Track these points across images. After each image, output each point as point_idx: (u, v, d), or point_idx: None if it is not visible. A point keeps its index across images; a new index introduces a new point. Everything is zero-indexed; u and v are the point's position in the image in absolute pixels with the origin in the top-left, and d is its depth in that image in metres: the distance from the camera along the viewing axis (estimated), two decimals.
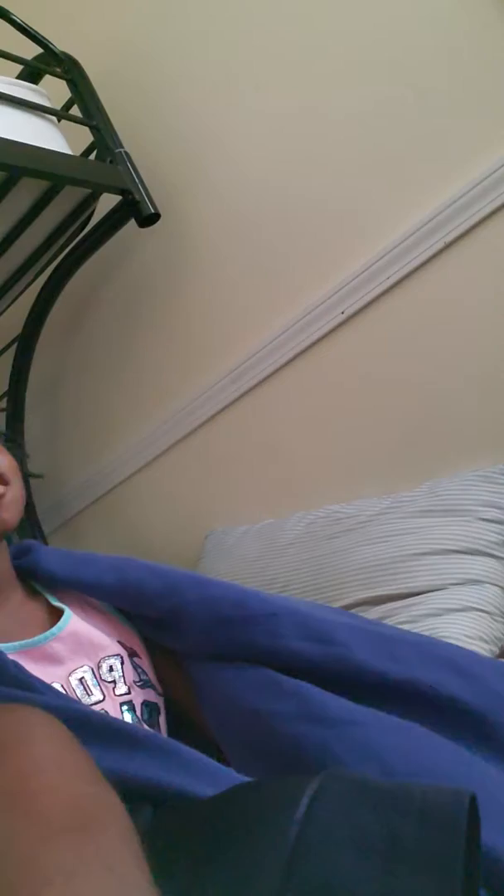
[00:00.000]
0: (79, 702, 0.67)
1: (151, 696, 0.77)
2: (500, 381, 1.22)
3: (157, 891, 0.34)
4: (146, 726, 0.73)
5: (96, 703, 0.71)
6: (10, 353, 1.53)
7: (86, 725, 0.55)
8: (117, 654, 0.77)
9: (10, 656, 0.68)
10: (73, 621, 0.76)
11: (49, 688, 0.64)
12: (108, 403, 1.64)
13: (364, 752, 0.59)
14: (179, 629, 0.76)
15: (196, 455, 1.53)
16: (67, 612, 0.77)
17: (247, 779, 0.55)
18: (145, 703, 0.75)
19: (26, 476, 0.83)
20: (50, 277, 1.44)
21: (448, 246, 1.20)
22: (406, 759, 0.59)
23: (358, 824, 0.39)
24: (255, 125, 1.34)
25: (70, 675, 0.72)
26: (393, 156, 1.23)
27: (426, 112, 1.19)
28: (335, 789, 0.42)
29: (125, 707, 0.72)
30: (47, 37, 1.30)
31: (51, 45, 1.31)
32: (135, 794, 0.50)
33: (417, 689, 0.65)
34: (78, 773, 0.44)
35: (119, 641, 0.79)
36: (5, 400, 1.55)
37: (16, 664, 0.63)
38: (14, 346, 1.52)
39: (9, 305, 1.46)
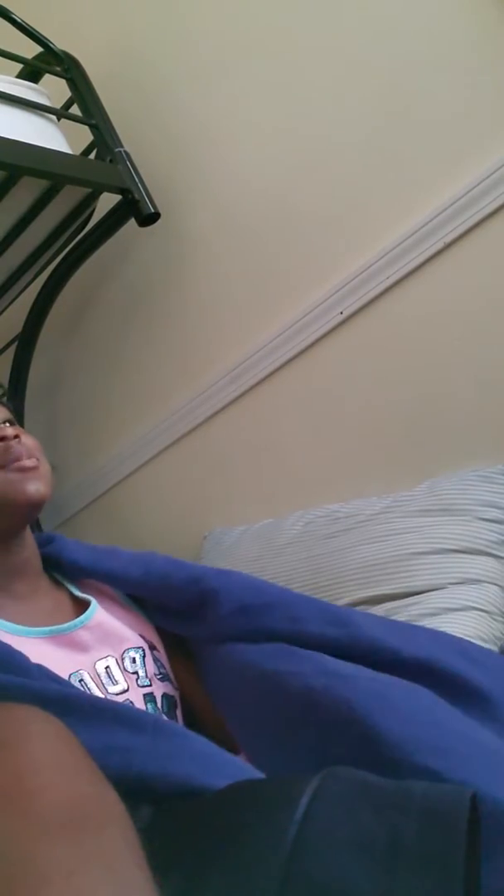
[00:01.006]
0: (71, 685, 0.68)
1: (169, 689, 0.79)
2: (499, 381, 1.22)
3: (156, 890, 0.34)
4: (165, 717, 0.74)
5: (122, 693, 0.72)
6: (10, 353, 1.53)
7: (81, 709, 0.56)
8: (139, 647, 0.79)
9: (39, 641, 0.71)
10: (100, 612, 0.79)
11: (53, 677, 0.64)
12: (107, 402, 1.64)
13: (379, 700, 0.61)
14: (201, 617, 0.79)
15: (195, 455, 1.53)
16: (94, 603, 0.80)
17: (252, 773, 0.55)
18: (165, 696, 0.77)
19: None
20: (50, 277, 1.43)
21: (447, 246, 1.20)
22: (418, 711, 0.61)
23: (358, 824, 0.39)
24: (255, 125, 1.34)
25: (95, 663, 0.74)
26: (393, 156, 1.23)
27: (426, 112, 1.19)
28: (335, 789, 0.42)
29: (148, 698, 0.74)
30: (47, 36, 1.30)
31: (51, 45, 1.31)
32: (137, 787, 0.50)
33: (429, 666, 0.68)
34: (77, 771, 0.44)
35: (141, 634, 0.81)
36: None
37: (11, 651, 0.64)
38: (14, 346, 1.52)
39: (9, 305, 1.46)
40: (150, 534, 1.64)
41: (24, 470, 0.76)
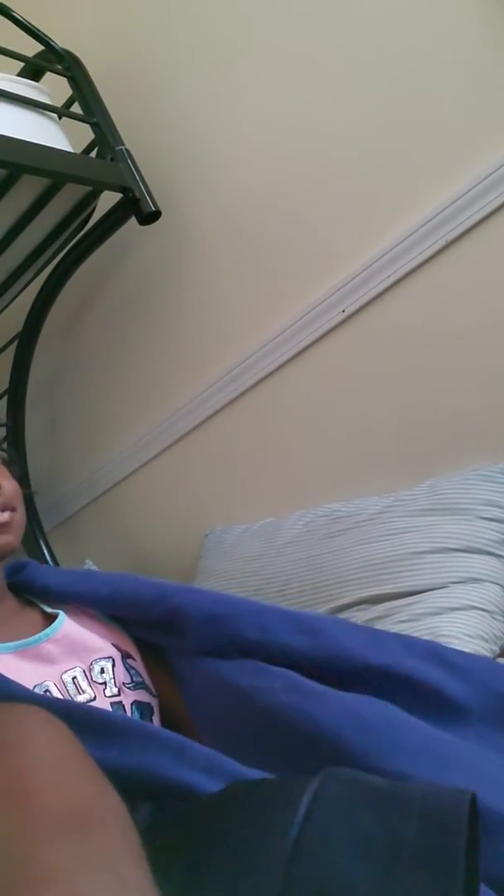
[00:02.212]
0: (72, 700, 0.68)
1: (144, 696, 0.78)
2: (501, 380, 1.22)
3: (157, 890, 0.34)
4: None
5: (89, 702, 0.72)
6: (10, 352, 1.53)
7: (87, 722, 0.56)
8: (109, 657, 0.79)
9: (4, 656, 0.71)
10: (67, 624, 0.79)
11: (33, 693, 0.65)
12: (107, 402, 1.63)
13: (346, 715, 0.62)
14: (174, 629, 0.79)
15: (195, 454, 1.53)
16: (62, 615, 0.80)
17: (251, 775, 0.55)
18: (136, 704, 0.76)
19: (27, 496, 0.88)
20: (50, 276, 1.43)
21: (449, 244, 1.20)
22: (385, 720, 0.62)
23: (358, 825, 0.39)
24: (256, 124, 1.33)
25: (62, 674, 0.74)
26: (394, 154, 1.23)
27: (427, 110, 1.18)
28: (335, 790, 0.42)
29: (115, 707, 0.74)
30: (48, 34, 1.30)
31: (52, 43, 1.30)
32: (138, 790, 0.50)
33: (400, 675, 0.68)
34: (78, 771, 0.44)
35: (113, 644, 0.81)
36: (5, 398, 1.55)
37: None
38: (14, 345, 1.52)
39: (9, 303, 1.46)
40: (151, 533, 1.64)
41: None
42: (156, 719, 0.78)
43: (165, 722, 0.79)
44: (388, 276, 1.25)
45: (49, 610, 0.82)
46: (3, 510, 0.79)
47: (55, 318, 1.50)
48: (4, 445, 1.50)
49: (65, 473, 1.72)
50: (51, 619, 0.80)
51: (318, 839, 0.39)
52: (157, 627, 0.81)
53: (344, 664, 0.70)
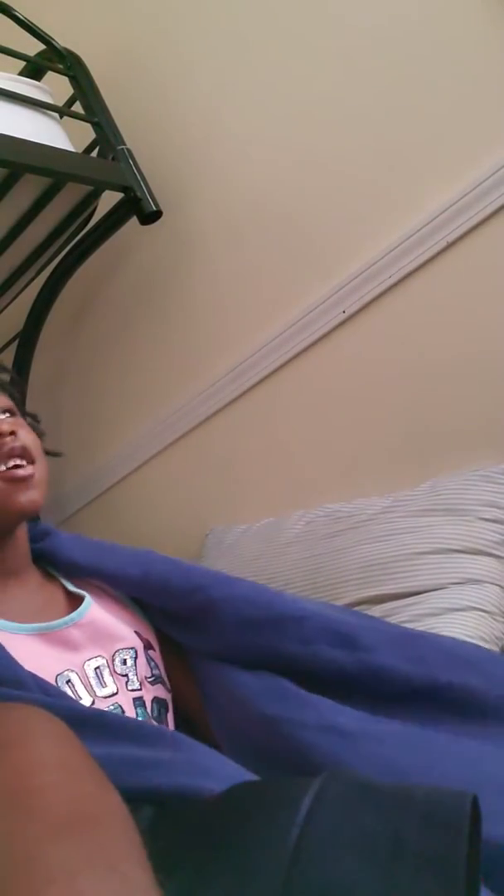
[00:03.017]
0: (72, 699, 0.67)
1: (161, 692, 0.76)
2: (502, 381, 1.22)
3: (159, 891, 0.34)
4: (155, 723, 0.73)
5: (111, 696, 0.70)
6: (11, 351, 1.53)
7: (84, 724, 0.55)
8: (132, 647, 0.76)
9: (27, 637, 0.68)
10: (93, 609, 0.76)
11: (43, 687, 0.63)
12: (108, 401, 1.63)
13: (380, 766, 0.59)
14: (201, 627, 0.76)
15: (196, 453, 1.53)
16: (88, 599, 0.76)
17: (251, 777, 0.55)
18: (155, 700, 0.74)
19: (46, 453, 0.83)
20: (51, 275, 1.43)
21: (450, 245, 1.20)
22: (425, 774, 0.59)
23: (360, 826, 0.39)
24: (258, 124, 1.33)
25: (85, 663, 0.71)
26: (395, 154, 1.22)
27: (430, 109, 1.18)
28: (337, 791, 0.42)
29: (137, 703, 0.72)
30: (50, 33, 1.30)
31: (53, 42, 1.30)
32: (138, 794, 0.50)
33: (439, 691, 0.66)
34: (80, 771, 0.44)
35: (136, 632, 0.78)
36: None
37: (9, 662, 0.62)
38: (15, 344, 1.52)
39: (10, 302, 1.46)
40: (152, 532, 1.64)
41: (16, 479, 0.72)
42: (170, 716, 0.76)
43: (178, 715, 0.78)
44: (389, 277, 1.25)
45: (73, 589, 0.79)
46: (22, 460, 0.73)
47: (56, 317, 1.50)
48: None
49: (64, 473, 1.72)
50: (74, 599, 0.77)
51: (319, 840, 0.39)
52: (181, 621, 0.78)
53: (382, 683, 0.67)
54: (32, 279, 1.44)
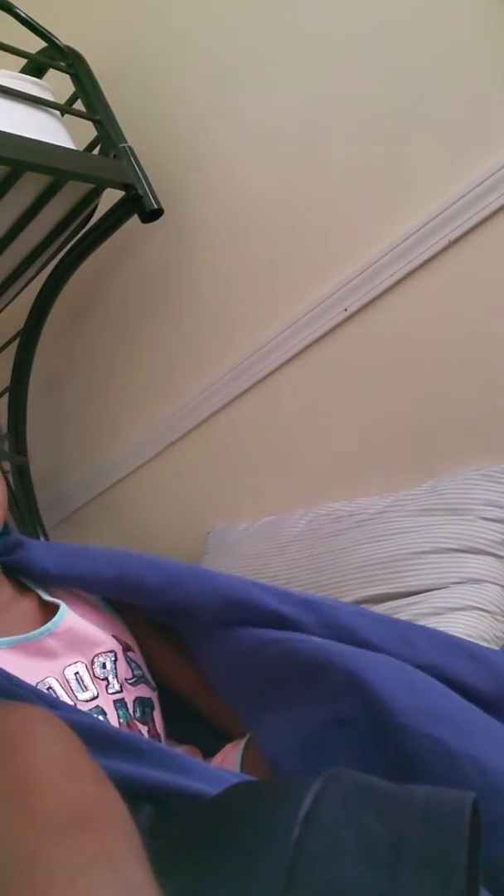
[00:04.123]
0: (73, 708, 0.67)
1: (144, 691, 0.77)
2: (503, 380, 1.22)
3: (159, 891, 0.34)
4: (139, 724, 0.73)
5: (91, 699, 0.71)
6: (12, 349, 1.53)
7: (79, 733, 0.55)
8: (111, 651, 0.77)
9: (4, 652, 0.69)
10: (69, 617, 0.76)
11: (38, 695, 0.63)
12: (110, 399, 1.63)
13: (388, 671, 0.61)
14: (185, 614, 0.77)
15: (198, 452, 1.53)
16: (63, 607, 0.76)
17: (234, 779, 0.55)
18: (138, 700, 0.75)
19: (7, 458, 0.82)
20: (52, 273, 1.43)
21: (452, 243, 1.20)
22: (427, 685, 0.61)
23: (361, 826, 0.39)
24: (259, 121, 1.33)
25: (64, 669, 0.72)
26: (398, 152, 1.22)
27: (432, 106, 1.18)
28: (337, 791, 0.42)
29: (118, 705, 0.72)
30: (51, 31, 1.30)
31: (55, 40, 1.30)
32: (136, 794, 0.50)
33: (432, 674, 0.66)
34: (80, 771, 0.44)
35: (114, 636, 0.79)
36: (6, 396, 1.55)
37: (4, 675, 0.62)
38: (15, 343, 1.52)
39: (11, 300, 1.45)
40: (153, 531, 1.64)
41: None
42: (156, 714, 0.76)
43: (172, 714, 0.78)
44: (391, 276, 1.25)
45: (48, 598, 0.79)
46: None
47: (57, 315, 1.50)
48: None
49: (66, 471, 1.72)
50: (49, 608, 0.77)
51: (320, 840, 0.39)
52: (162, 611, 0.79)
53: None
54: (33, 278, 1.43)
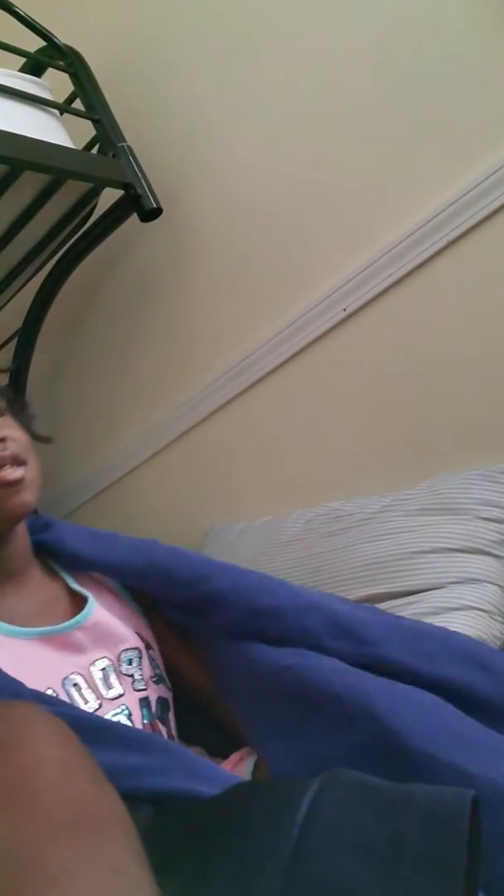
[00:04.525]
0: (72, 706, 0.66)
1: (163, 691, 0.76)
2: (502, 379, 1.22)
3: (158, 891, 0.34)
4: (160, 723, 0.72)
5: (118, 697, 0.70)
6: (10, 348, 1.53)
7: (81, 729, 0.55)
8: (136, 647, 0.76)
9: (30, 642, 0.68)
10: (97, 611, 0.75)
11: (40, 696, 0.63)
12: (108, 399, 1.63)
13: (399, 700, 0.60)
14: (208, 614, 0.75)
15: (196, 451, 1.53)
16: (91, 600, 0.76)
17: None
18: (159, 700, 0.74)
19: (36, 439, 0.80)
20: (51, 272, 1.43)
21: (451, 243, 1.20)
22: (438, 711, 0.61)
23: (359, 826, 0.39)
24: (259, 121, 1.33)
25: (91, 665, 0.71)
26: (396, 152, 1.22)
27: (431, 107, 1.18)
28: (336, 791, 0.42)
29: (143, 703, 0.72)
30: (50, 29, 1.29)
31: (54, 38, 1.30)
32: (135, 794, 0.50)
33: (444, 684, 0.66)
34: (80, 771, 0.43)
35: (137, 632, 0.78)
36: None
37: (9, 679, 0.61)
38: (14, 342, 1.52)
39: (9, 300, 1.45)
40: (151, 530, 1.62)
41: (6, 484, 0.71)
42: (171, 714, 0.76)
43: (186, 710, 0.77)
44: (390, 275, 1.25)
45: (76, 587, 0.78)
46: (13, 464, 0.71)
47: (56, 314, 1.50)
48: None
49: (65, 470, 1.72)
50: (77, 599, 0.76)
51: (319, 840, 0.39)
52: (185, 609, 0.77)
53: (393, 677, 0.68)
54: (32, 277, 1.43)
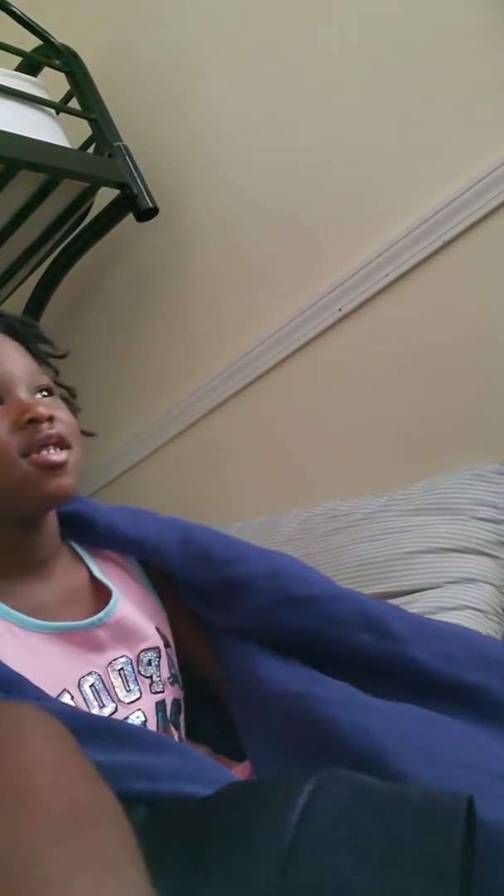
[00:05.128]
0: (71, 706, 0.65)
1: (177, 692, 0.75)
2: (498, 380, 1.22)
3: (153, 892, 0.34)
4: (172, 727, 0.72)
5: (135, 701, 0.69)
6: None
7: (81, 729, 0.54)
8: (156, 647, 0.74)
9: (48, 636, 0.66)
10: (121, 606, 0.73)
11: (42, 693, 0.62)
12: (103, 399, 1.63)
13: (407, 739, 0.58)
14: (233, 601, 0.73)
15: (192, 451, 1.53)
16: (115, 594, 0.73)
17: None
18: (174, 702, 0.73)
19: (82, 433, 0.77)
20: (47, 271, 1.43)
21: (447, 244, 1.20)
22: (454, 751, 0.58)
23: (354, 825, 0.39)
24: (255, 121, 1.33)
25: (109, 665, 0.69)
26: (392, 152, 1.22)
27: (426, 108, 1.18)
28: (331, 791, 0.42)
29: (158, 707, 0.71)
30: (47, 29, 1.29)
31: (50, 38, 1.30)
32: (131, 795, 0.50)
33: (462, 688, 0.65)
34: (75, 771, 0.43)
35: (157, 628, 0.76)
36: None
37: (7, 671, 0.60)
38: None
39: (6, 298, 1.45)
40: None
41: (47, 465, 0.66)
42: (182, 716, 0.75)
43: (198, 703, 0.76)
44: (386, 276, 1.25)
45: (99, 576, 0.75)
46: (57, 446, 0.67)
47: (52, 313, 1.50)
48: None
49: None
50: (101, 591, 0.74)
51: (313, 840, 0.39)
52: (209, 597, 0.75)
53: (409, 676, 0.67)
54: (28, 276, 1.43)
